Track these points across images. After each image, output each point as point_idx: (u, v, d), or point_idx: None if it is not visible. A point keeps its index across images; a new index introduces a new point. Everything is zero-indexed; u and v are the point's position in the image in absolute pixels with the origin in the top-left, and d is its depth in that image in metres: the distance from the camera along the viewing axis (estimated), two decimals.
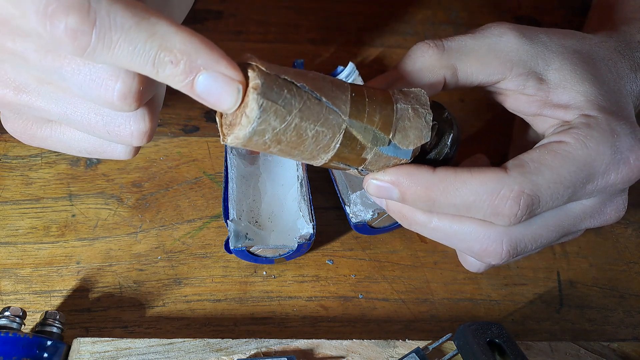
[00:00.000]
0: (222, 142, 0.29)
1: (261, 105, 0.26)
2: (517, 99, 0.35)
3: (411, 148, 0.30)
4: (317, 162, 0.30)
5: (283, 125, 0.27)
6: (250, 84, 0.26)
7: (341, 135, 0.29)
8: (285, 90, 0.27)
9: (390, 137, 0.30)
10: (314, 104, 0.28)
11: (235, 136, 0.27)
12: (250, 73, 0.27)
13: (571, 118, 0.33)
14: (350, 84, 0.30)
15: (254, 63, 0.27)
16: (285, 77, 0.27)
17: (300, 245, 0.37)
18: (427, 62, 0.34)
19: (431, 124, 0.31)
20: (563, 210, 0.33)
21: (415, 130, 0.30)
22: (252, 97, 0.26)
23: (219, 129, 0.29)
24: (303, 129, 0.28)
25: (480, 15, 0.54)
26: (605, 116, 0.32)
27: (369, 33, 0.51)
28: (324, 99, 0.28)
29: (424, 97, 0.31)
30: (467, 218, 0.32)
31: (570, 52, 0.35)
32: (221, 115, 0.29)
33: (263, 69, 0.27)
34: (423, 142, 0.31)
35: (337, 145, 0.29)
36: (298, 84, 0.28)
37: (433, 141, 0.32)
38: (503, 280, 0.41)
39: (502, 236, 0.32)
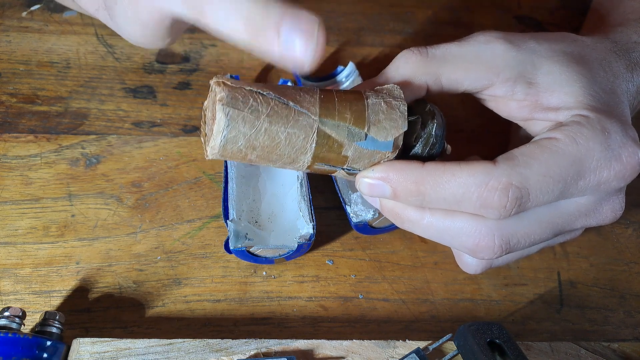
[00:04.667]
0: (205, 158, 0.30)
1: (227, 113, 0.28)
2: (508, 104, 0.36)
3: (390, 139, 0.31)
4: (300, 166, 0.31)
5: (253, 131, 0.29)
6: (217, 97, 0.29)
7: (314, 135, 0.30)
8: (251, 99, 0.29)
9: (366, 130, 0.30)
10: (282, 108, 0.29)
11: (211, 147, 0.29)
12: (217, 88, 0.29)
13: (563, 119, 0.33)
14: (320, 88, 0.32)
15: (221, 80, 0.29)
16: (251, 88, 0.29)
17: (300, 246, 0.37)
18: (409, 68, 0.34)
19: (406, 113, 0.31)
20: (556, 207, 0.33)
21: (391, 121, 0.31)
22: (218, 107, 0.28)
23: (203, 146, 0.31)
24: (274, 132, 0.29)
25: (481, 15, 0.54)
26: (596, 115, 0.32)
27: (369, 33, 0.51)
28: (291, 103, 0.30)
29: (397, 90, 0.32)
30: (459, 213, 0.32)
31: (560, 54, 0.35)
32: (205, 134, 0.31)
33: (228, 83, 0.29)
34: (401, 132, 0.31)
35: (313, 145, 0.30)
36: (264, 92, 0.29)
37: (419, 133, 0.32)
38: (503, 281, 0.41)
39: (494, 230, 0.32)
